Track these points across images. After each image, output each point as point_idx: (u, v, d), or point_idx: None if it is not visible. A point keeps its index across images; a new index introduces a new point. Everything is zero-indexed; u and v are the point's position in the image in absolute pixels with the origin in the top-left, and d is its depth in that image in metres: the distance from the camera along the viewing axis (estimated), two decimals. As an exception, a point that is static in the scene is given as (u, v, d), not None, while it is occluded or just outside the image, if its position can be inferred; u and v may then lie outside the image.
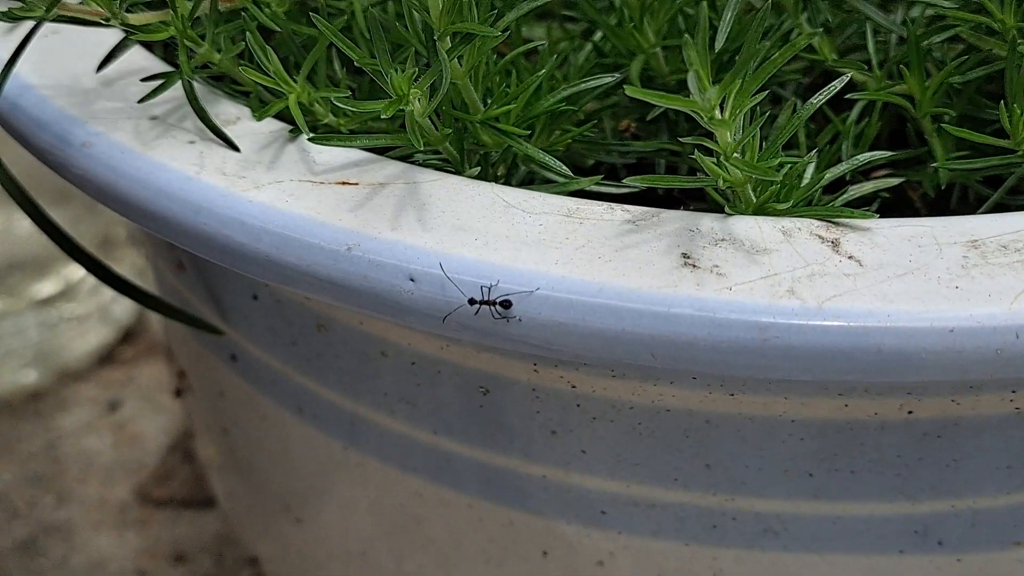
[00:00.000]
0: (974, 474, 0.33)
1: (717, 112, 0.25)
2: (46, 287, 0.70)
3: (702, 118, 0.26)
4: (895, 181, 0.33)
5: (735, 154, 0.27)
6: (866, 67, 0.34)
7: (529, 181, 0.34)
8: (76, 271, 0.71)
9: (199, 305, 0.40)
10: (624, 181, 0.28)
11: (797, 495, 0.33)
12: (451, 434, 0.36)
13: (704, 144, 0.27)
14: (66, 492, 0.64)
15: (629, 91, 0.24)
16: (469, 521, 0.37)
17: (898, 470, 0.33)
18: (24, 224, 0.70)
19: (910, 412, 0.31)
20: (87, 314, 0.71)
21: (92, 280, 0.72)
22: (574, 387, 0.33)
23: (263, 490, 0.44)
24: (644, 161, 0.38)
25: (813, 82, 0.36)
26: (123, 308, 0.72)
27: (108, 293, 0.72)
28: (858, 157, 0.31)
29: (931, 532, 0.34)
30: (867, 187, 0.33)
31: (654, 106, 0.36)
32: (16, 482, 0.64)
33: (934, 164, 0.32)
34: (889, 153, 0.32)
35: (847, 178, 0.34)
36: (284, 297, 0.36)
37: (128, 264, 0.71)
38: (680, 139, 0.27)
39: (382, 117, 0.29)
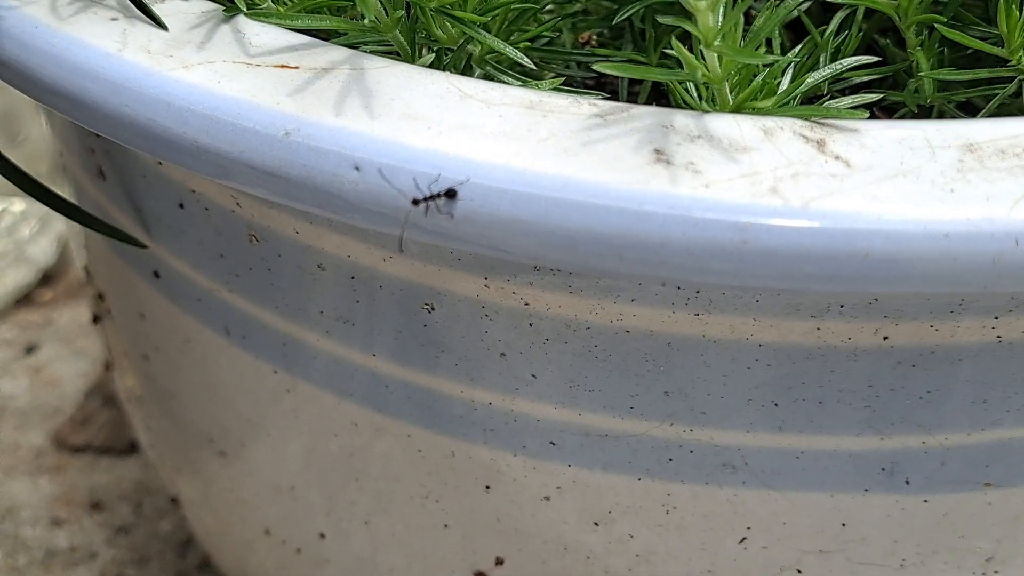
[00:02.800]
0: (948, 408, 0.31)
1: (700, -13, 0.23)
2: (-41, 227, 0.67)
3: (683, -5, 0.24)
4: (875, 96, 0.31)
5: (715, 41, 0.25)
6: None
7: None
8: (-9, 210, 0.68)
9: (121, 217, 0.37)
10: (594, 67, 0.26)
11: (760, 427, 0.31)
12: (392, 356, 0.33)
13: (683, 26, 0.25)
14: (-22, 436, 0.61)
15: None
16: (407, 452, 0.35)
17: (868, 402, 0.31)
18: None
19: (885, 338, 0.29)
20: (3, 253, 0.68)
21: (9, 219, 0.69)
22: (527, 304, 0.31)
23: (185, 421, 0.41)
24: (604, 78, 0.35)
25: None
26: (41, 249, 0.69)
27: (26, 232, 0.70)
28: (843, 61, 0.29)
29: (898, 470, 0.32)
30: (845, 102, 0.31)
31: (616, 18, 0.34)
32: (-76, 423, 0.61)
33: (920, 74, 0.30)
34: (874, 59, 0.30)
35: (824, 94, 0.32)
36: (213, 204, 0.34)
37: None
38: (657, 17, 0.25)
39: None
